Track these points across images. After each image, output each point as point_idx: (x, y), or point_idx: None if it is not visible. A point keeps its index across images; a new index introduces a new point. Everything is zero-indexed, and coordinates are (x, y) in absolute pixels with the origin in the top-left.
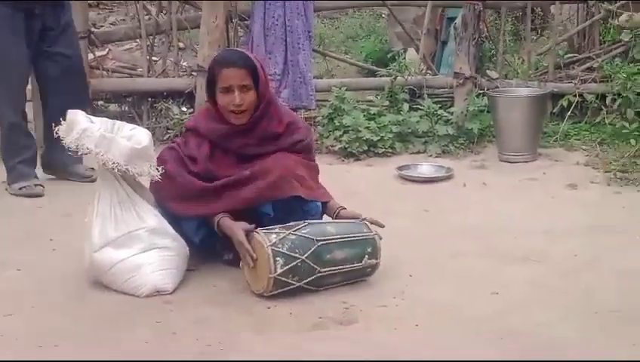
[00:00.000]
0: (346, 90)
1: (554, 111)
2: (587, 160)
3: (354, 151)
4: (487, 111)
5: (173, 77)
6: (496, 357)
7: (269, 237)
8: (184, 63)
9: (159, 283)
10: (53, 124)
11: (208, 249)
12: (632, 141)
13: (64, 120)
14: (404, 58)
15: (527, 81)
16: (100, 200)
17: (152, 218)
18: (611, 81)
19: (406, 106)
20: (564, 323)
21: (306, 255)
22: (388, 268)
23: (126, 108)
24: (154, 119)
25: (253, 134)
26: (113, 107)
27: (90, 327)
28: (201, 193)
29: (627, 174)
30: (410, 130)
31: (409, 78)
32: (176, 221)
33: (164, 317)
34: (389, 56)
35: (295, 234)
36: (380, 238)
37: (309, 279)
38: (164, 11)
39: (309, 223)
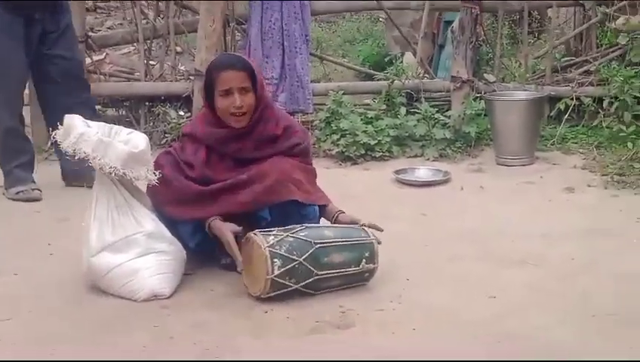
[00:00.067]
0: (344, 93)
1: (551, 114)
2: (584, 163)
3: (351, 155)
4: (485, 115)
5: (171, 81)
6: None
7: (266, 239)
8: (181, 67)
9: (156, 288)
10: (50, 129)
11: (204, 253)
12: (629, 144)
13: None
14: (402, 62)
15: (525, 84)
16: (98, 204)
17: (149, 222)
18: (608, 84)
19: (403, 110)
20: (561, 327)
21: (303, 257)
22: (385, 272)
23: (123, 112)
24: (151, 123)
25: (251, 137)
26: (111, 111)
27: (88, 332)
28: (198, 197)
29: (624, 177)
30: (407, 134)
31: (406, 81)
32: (172, 225)
33: (162, 321)
34: (386, 59)
35: (293, 237)
36: (379, 243)
37: (306, 281)
38: (162, 15)
39: (307, 226)
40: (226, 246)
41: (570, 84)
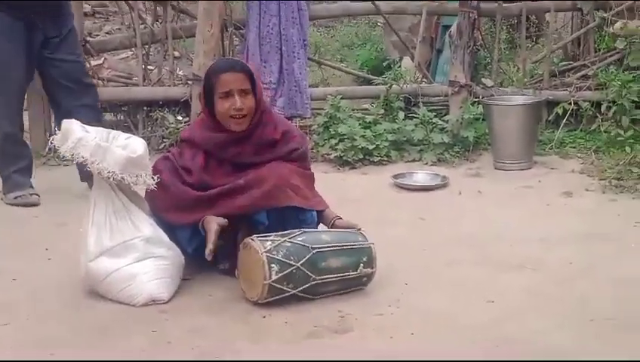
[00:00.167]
0: (342, 98)
1: (549, 119)
2: (582, 167)
3: (349, 160)
4: (483, 120)
5: (169, 86)
6: None
7: (264, 244)
8: (180, 72)
9: (155, 293)
10: (48, 134)
11: (203, 258)
12: (627, 148)
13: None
14: (400, 66)
15: (523, 88)
16: (96, 209)
17: (147, 227)
18: (606, 88)
19: (401, 115)
20: (559, 331)
21: (301, 262)
22: (383, 277)
23: (122, 117)
24: (149, 128)
25: (250, 142)
26: (109, 116)
27: (86, 336)
28: (196, 202)
29: (622, 182)
30: (405, 139)
31: (404, 86)
32: (170, 230)
33: (160, 326)
34: (384, 64)
35: (290, 242)
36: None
37: (303, 287)
38: (160, 20)
39: (304, 231)
40: (208, 236)
41: (568, 89)
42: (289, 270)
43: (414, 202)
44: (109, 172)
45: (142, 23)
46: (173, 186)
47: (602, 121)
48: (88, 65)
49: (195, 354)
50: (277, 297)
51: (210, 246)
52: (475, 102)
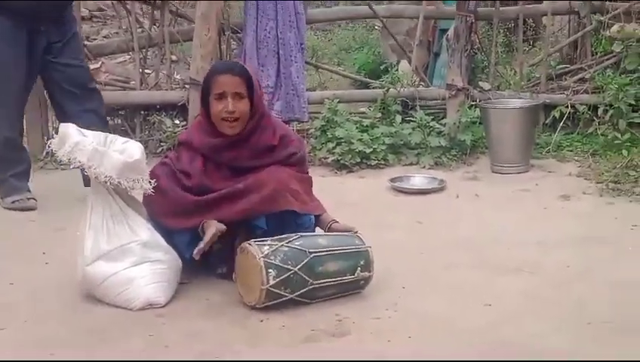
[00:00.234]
0: (339, 102)
1: (546, 122)
2: (579, 171)
3: (347, 163)
4: (480, 123)
5: (166, 89)
6: None
7: (261, 249)
8: (177, 76)
9: (152, 297)
10: (45, 138)
11: (200, 262)
12: (624, 152)
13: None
14: (397, 70)
15: (520, 92)
16: (93, 213)
17: (144, 231)
18: (603, 92)
19: (398, 118)
20: (557, 335)
21: (298, 266)
22: (381, 280)
23: (119, 121)
24: (147, 132)
25: (247, 146)
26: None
27: (83, 340)
28: (195, 207)
29: (619, 185)
30: (402, 142)
31: (402, 89)
32: (168, 235)
33: (157, 330)
34: (382, 67)
35: (288, 246)
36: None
37: (301, 291)
38: (157, 24)
39: (301, 235)
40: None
41: (565, 92)
42: (286, 275)
43: (412, 206)
44: (105, 176)
45: (139, 27)
46: (172, 191)
47: (599, 124)
48: None
49: (192, 358)
50: (274, 301)
51: (201, 244)
52: (473, 105)
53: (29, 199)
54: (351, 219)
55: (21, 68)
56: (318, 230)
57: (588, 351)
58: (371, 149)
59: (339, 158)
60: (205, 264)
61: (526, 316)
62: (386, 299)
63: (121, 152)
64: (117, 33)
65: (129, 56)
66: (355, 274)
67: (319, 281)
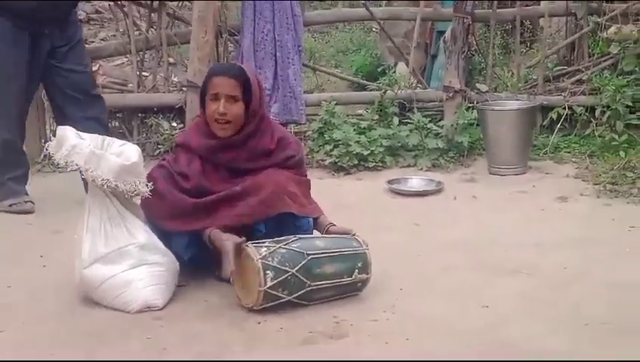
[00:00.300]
0: (336, 104)
1: (543, 123)
2: (577, 172)
3: (344, 165)
4: (477, 125)
5: (164, 92)
6: None
7: (259, 251)
8: (174, 78)
9: (149, 299)
10: (43, 141)
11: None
12: (622, 153)
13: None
14: (394, 72)
15: (517, 93)
16: (90, 216)
17: (142, 234)
18: (600, 93)
19: (396, 120)
20: (554, 336)
21: (296, 268)
22: (378, 282)
23: (116, 123)
24: (144, 135)
25: (245, 149)
26: None
27: (81, 343)
28: (193, 210)
29: (617, 186)
30: (400, 144)
31: (399, 91)
32: (166, 238)
33: (155, 332)
34: (379, 70)
35: (285, 248)
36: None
37: (299, 293)
38: (154, 27)
39: (299, 237)
40: (224, 256)
41: (562, 94)
42: (284, 276)
43: (409, 208)
44: (103, 179)
45: (136, 30)
46: (170, 194)
47: (596, 125)
48: None
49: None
50: (272, 303)
51: (232, 267)
52: (470, 107)
53: (26, 202)
54: (348, 221)
55: (21, 69)
56: (316, 232)
57: (585, 353)
58: (369, 151)
59: (336, 160)
60: (204, 266)
61: (524, 317)
62: (384, 301)
63: (118, 155)
64: (114, 36)
65: (126, 59)
66: (353, 276)
67: (317, 283)
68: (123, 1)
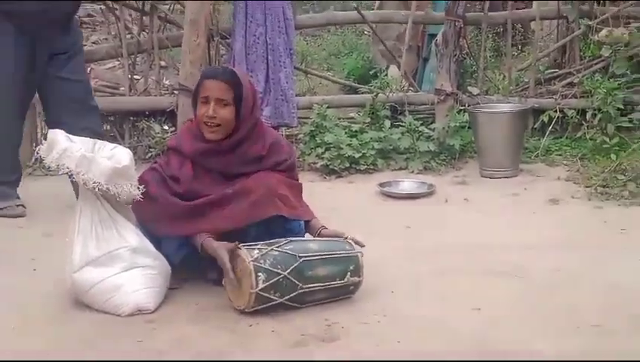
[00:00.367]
0: (328, 107)
1: (535, 126)
2: (568, 175)
3: (336, 168)
4: (469, 128)
5: (155, 95)
6: None
7: (251, 253)
8: (166, 82)
9: (141, 302)
10: (34, 144)
11: (189, 267)
12: (613, 156)
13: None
14: (386, 75)
15: (508, 96)
16: (81, 219)
17: (133, 237)
18: (592, 96)
19: (387, 123)
20: (545, 339)
21: (287, 271)
22: (370, 285)
23: (108, 127)
24: (136, 138)
25: (236, 154)
26: None
27: (72, 347)
28: (184, 213)
29: (608, 189)
30: (391, 147)
31: (390, 94)
32: (157, 241)
33: (147, 335)
34: (371, 73)
35: (277, 251)
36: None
37: (290, 295)
38: (146, 30)
39: (291, 240)
40: (220, 264)
41: (553, 96)
42: (276, 279)
43: (401, 210)
44: (94, 182)
45: (128, 33)
46: (161, 198)
47: (588, 128)
48: None
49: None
50: (264, 306)
51: (231, 275)
52: (461, 110)
53: (17, 206)
54: (340, 224)
55: (21, 74)
56: (308, 236)
57: (576, 355)
58: (360, 154)
59: (328, 163)
60: (195, 269)
61: (515, 320)
62: (376, 304)
63: (109, 158)
64: (106, 39)
65: (118, 62)
66: (345, 279)
67: (309, 286)
68: (115, 5)
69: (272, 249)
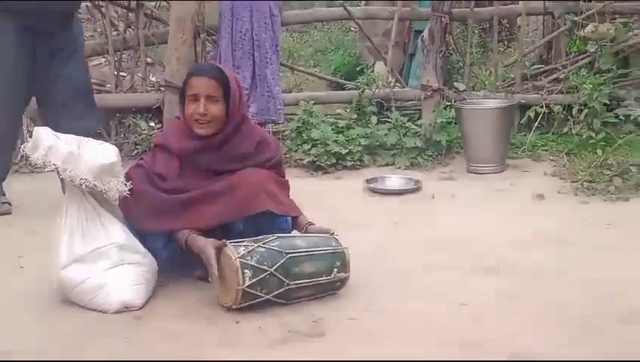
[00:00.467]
0: (314, 103)
1: (521, 122)
2: (554, 170)
3: (322, 165)
4: (455, 123)
5: (142, 92)
6: None
7: (237, 250)
8: (152, 79)
9: (128, 299)
10: (19, 142)
11: (176, 264)
12: (599, 151)
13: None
14: (373, 71)
15: (495, 92)
16: (68, 216)
17: (120, 234)
18: (577, 91)
19: (374, 119)
20: (532, 334)
21: (274, 267)
22: (357, 281)
23: None
24: (122, 135)
25: (223, 151)
26: None
27: (59, 344)
28: (170, 208)
29: (594, 184)
30: (378, 143)
31: (377, 91)
32: (143, 237)
33: (133, 332)
34: (357, 69)
35: (264, 247)
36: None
37: (277, 292)
38: (132, 27)
39: (278, 236)
40: (205, 261)
41: (539, 92)
42: (262, 275)
43: (387, 206)
44: (81, 179)
45: (114, 30)
46: (147, 194)
47: (574, 123)
48: None
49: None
50: (251, 302)
51: (215, 273)
52: (448, 106)
53: (3, 203)
54: (327, 221)
55: (22, 72)
56: (295, 232)
57: (563, 350)
58: (347, 150)
59: (314, 160)
60: (182, 266)
61: (502, 315)
62: (362, 300)
63: (96, 155)
64: (92, 36)
65: (104, 59)
66: (332, 275)
67: (295, 282)
68: (100, 1)
69: (258, 245)
